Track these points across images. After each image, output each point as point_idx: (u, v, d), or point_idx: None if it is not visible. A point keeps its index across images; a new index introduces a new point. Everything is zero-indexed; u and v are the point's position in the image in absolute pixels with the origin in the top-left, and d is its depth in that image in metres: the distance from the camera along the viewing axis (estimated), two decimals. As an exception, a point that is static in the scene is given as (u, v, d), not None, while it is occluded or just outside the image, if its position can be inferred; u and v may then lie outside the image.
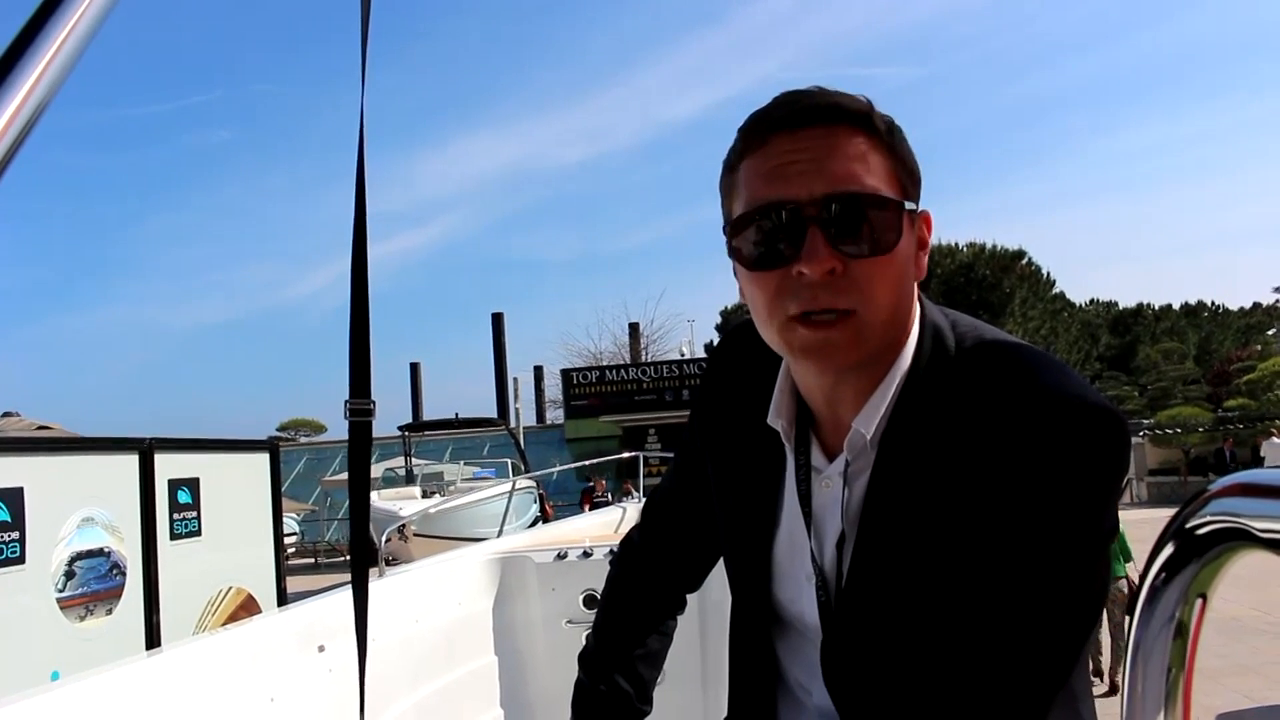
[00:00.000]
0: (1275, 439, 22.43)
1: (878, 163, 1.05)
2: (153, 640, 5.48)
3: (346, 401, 1.43)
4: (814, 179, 1.02)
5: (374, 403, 1.45)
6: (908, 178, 1.08)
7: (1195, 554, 0.59)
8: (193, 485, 6.11)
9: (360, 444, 1.47)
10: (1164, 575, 0.60)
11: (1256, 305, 49.71)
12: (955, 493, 1.02)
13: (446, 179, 80.00)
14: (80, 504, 5.18)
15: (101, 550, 5.29)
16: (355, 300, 1.43)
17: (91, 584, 5.18)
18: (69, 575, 5.03)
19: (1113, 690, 6.86)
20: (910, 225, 1.07)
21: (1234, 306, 50.12)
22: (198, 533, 6.12)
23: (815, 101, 1.06)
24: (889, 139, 1.07)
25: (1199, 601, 0.60)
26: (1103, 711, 1.15)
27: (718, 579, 1.45)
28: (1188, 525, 0.58)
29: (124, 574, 5.44)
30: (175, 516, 5.92)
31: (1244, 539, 0.55)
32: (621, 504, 5.02)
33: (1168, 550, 0.60)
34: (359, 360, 1.43)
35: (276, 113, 77.27)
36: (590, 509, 9.45)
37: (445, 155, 78.39)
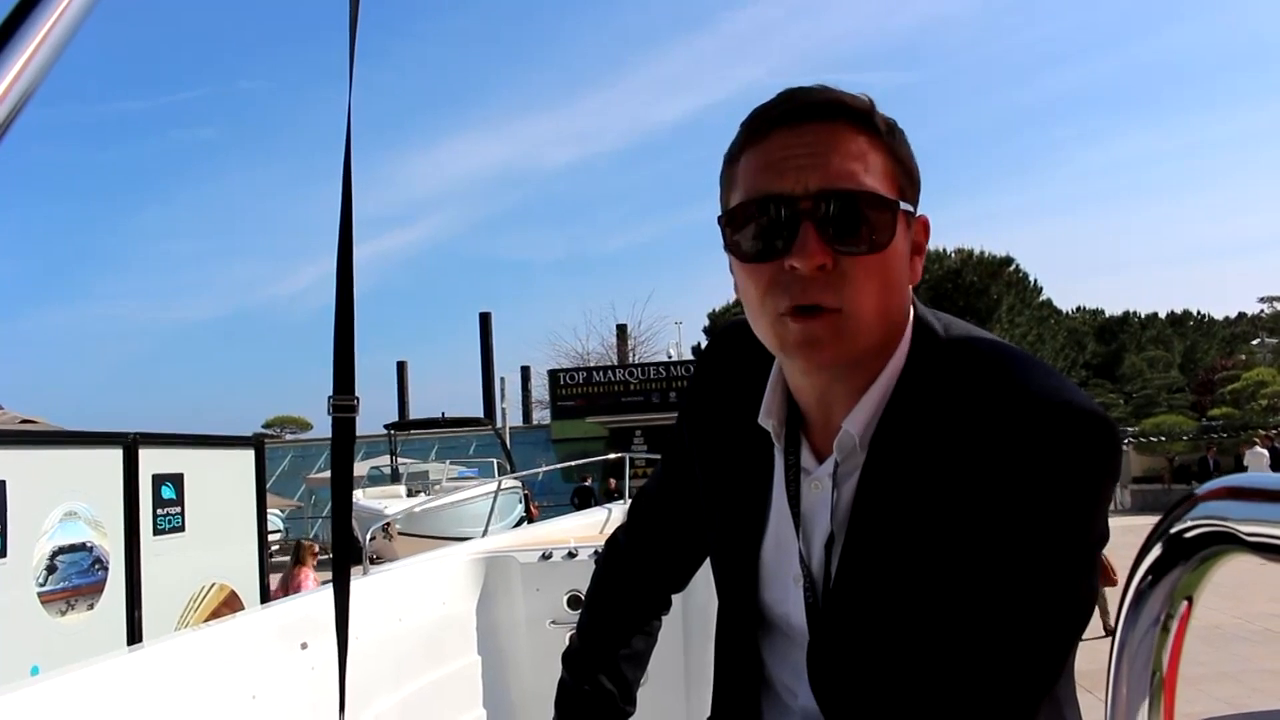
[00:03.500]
0: (1259, 448, 22.51)
1: (876, 162, 1.04)
2: (134, 636, 5.46)
3: (330, 397, 1.42)
4: (810, 174, 1.02)
5: (358, 399, 1.44)
6: (906, 179, 1.08)
7: (1182, 557, 0.58)
8: (177, 481, 6.08)
9: (343, 440, 1.47)
10: (1150, 578, 0.60)
11: (1241, 315, 49.98)
12: (945, 496, 1.02)
13: (434, 178, 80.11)
14: (63, 498, 5.15)
15: (84, 545, 5.26)
16: (340, 296, 1.42)
17: (73, 579, 5.16)
18: (50, 570, 5.01)
19: (1108, 633, 7.07)
20: (905, 227, 1.07)
21: (1219, 316, 50.40)
22: (181, 528, 6.10)
23: (817, 98, 1.06)
24: (889, 139, 1.06)
25: (1184, 604, 0.60)
26: (1087, 714, 1.15)
27: (702, 581, 1.45)
28: (1174, 528, 0.58)
29: (106, 569, 5.41)
30: (159, 512, 5.90)
31: (1230, 542, 0.55)
32: (607, 505, 5.02)
33: (1154, 553, 0.60)
34: (343, 356, 1.42)
35: (264, 110, 77.24)
36: None
37: (433, 155, 78.53)
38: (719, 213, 1.12)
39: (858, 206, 1.02)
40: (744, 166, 1.08)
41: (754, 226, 1.06)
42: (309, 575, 8.92)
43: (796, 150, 1.04)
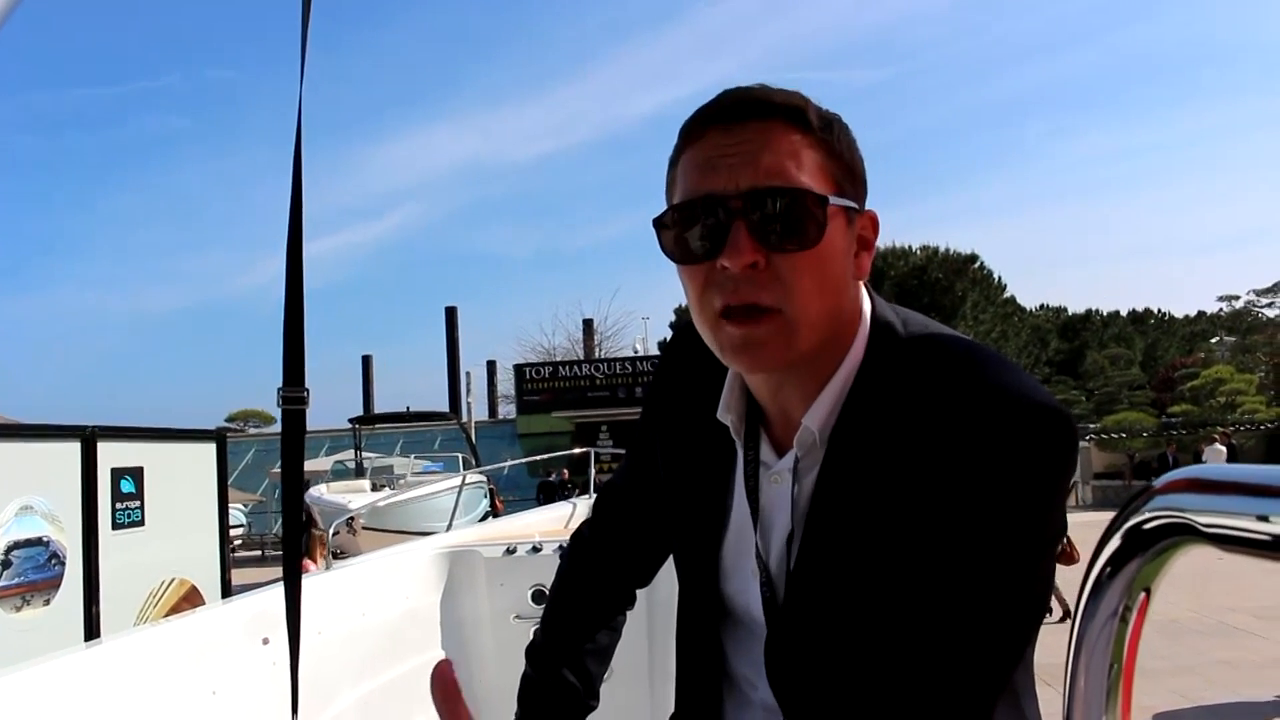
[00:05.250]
0: (1218, 444, 22.87)
1: (811, 159, 1.04)
2: (92, 632, 5.39)
3: (279, 389, 1.41)
4: (741, 172, 1.02)
5: (308, 391, 1.42)
6: (845, 175, 1.07)
7: (1140, 549, 0.59)
8: (136, 474, 6.00)
9: (293, 433, 1.45)
10: (1108, 570, 0.60)
11: (1201, 313, 50.78)
12: (904, 491, 1.02)
13: (402, 171, 79.73)
14: (18, 492, 5.07)
15: (40, 539, 5.19)
16: (290, 286, 1.40)
17: (29, 574, 5.08)
18: (5, 565, 4.93)
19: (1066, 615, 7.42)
20: (847, 223, 1.07)
21: (1179, 314, 51.22)
22: (141, 523, 6.02)
23: (751, 97, 1.05)
24: (825, 135, 1.06)
25: (1142, 596, 0.60)
26: (1046, 708, 1.16)
27: (668, 577, 1.45)
28: (1133, 520, 0.58)
29: (63, 564, 5.34)
30: (118, 506, 5.82)
31: (1188, 534, 0.55)
32: (572, 499, 5.01)
33: (1112, 545, 0.60)
34: (293, 347, 1.41)
35: (233, 100, 76.45)
36: None
37: (401, 147, 78.14)
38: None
39: (789, 203, 1.01)
40: (682, 168, 1.08)
41: (686, 227, 1.05)
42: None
43: (728, 149, 1.03)
